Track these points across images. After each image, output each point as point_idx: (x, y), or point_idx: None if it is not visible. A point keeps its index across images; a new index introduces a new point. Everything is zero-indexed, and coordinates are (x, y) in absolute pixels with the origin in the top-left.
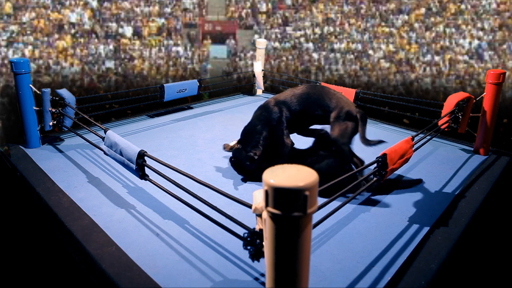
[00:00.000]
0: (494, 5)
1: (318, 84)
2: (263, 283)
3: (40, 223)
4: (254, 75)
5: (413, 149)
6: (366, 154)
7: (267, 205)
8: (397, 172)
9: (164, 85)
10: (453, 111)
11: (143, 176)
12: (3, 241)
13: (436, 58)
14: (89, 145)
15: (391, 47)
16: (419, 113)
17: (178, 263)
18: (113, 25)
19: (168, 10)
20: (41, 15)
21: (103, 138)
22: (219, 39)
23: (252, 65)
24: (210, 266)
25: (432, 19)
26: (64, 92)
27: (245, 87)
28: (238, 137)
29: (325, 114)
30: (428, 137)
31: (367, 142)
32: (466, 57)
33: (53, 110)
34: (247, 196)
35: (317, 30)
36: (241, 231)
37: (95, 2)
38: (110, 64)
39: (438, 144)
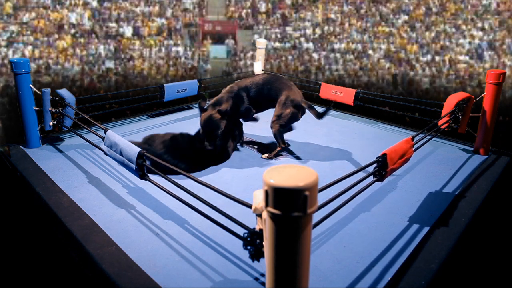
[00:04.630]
0: (494, 5)
1: (277, 74)
2: (263, 283)
3: (40, 223)
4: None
5: (413, 149)
6: (366, 154)
7: (267, 205)
8: (397, 172)
9: (164, 85)
10: (453, 111)
11: (143, 176)
12: (3, 241)
13: (436, 58)
14: (89, 145)
15: (391, 47)
16: (419, 113)
17: (178, 263)
18: (113, 25)
19: (168, 10)
20: (41, 15)
21: (103, 138)
22: (219, 39)
23: (252, 65)
24: (210, 266)
25: (432, 19)
26: (64, 92)
27: None
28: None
29: (276, 98)
30: (428, 137)
31: (320, 116)
32: (466, 57)
33: (53, 110)
34: (247, 196)
35: (317, 30)
36: (241, 231)
37: (95, 2)
38: (110, 64)
39: (438, 144)
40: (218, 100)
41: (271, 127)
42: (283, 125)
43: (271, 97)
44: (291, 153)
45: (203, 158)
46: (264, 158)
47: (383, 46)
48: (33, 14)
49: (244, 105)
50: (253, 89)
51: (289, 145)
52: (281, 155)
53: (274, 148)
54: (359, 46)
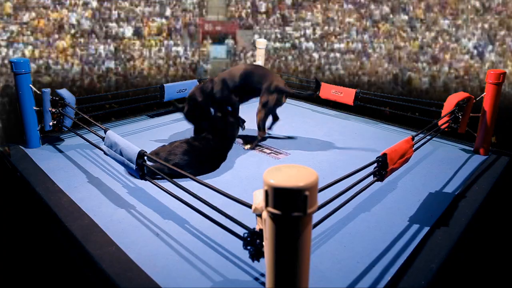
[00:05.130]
0: (494, 4)
1: (257, 64)
2: (263, 283)
3: (40, 223)
4: None
5: (413, 149)
6: (366, 154)
7: (267, 205)
8: (397, 172)
9: (164, 85)
10: (453, 111)
11: (143, 176)
12: (3, 241)
13: (437, 57)
14: (89, 145)
15: (391, 46)
16: (419, 113)
17: (178, 263)
18: (113, 25)
19: (168, 10)
20: (41, 15)
21: (103, 138)
22: (219, 39)
23: None
24: (210, 266)
25: (433, 18)
26: (64, 92)
27: None
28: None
29: (260, 86)
30: (428, 137)
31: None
32: (466, 57)
33: (53, 110)
34: (247, 196)
35: (318, 30)
36: (241, 231)
37: (95, 2)
38: (110, 64)
39: (438, 144)
40: (189, 95)
41: (257, 114)
42: (267, 113)
43: (255, 85)
44: (291, 153)
45: (214, 153)
46: (247, 149)
47: (383, 46)
48: (33, 14)
49: (222, 92)
50: (235, 79)
51: (267, 136)
52: (281, 153)
53: (254, 140)
54: (359, 46)
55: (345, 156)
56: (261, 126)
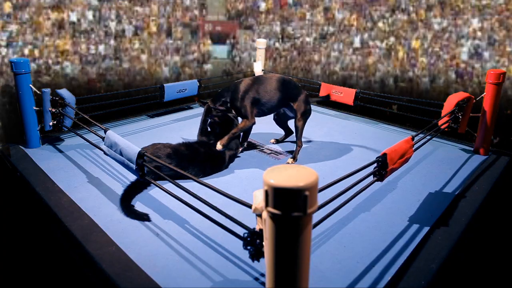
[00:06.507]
0: (493, 3)
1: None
2: (263, 283)
3: (40, 223)
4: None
5: (413, 149)
6: (366, 154)
7: (267, 205)
8: (397, 172)
9: (164, 85)
10: (453, 111)
11: (143, 176)
12: (3, 241)
13: (437, 57)
14: (89, 145)
15: (391, 46)
16: (419, 113)
17: (178, 263)
18: (113, 24)
19: (168, 9)
20: (41, 15)
21: (103, 138)
22: (219, 39)
23: (252, 65)
24: (210, 266)
25: (433, 16)
26: (64, 92)
27: None
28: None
29: (294, 97)
30: (428, 137)
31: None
32: (466, 57)
33: (53, 110)
34: (247, 196)
35: (318, 30)
36: (241, 231)
37: (95, 1)
38: (110, 64)
39: (438, 144)
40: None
41: (297, 124)
42: (306, 122)
43: (289, 97)
44: (291, 153)
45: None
46: (291, 163)
47: (383, 45)
48: (33, 14)
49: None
50: (267, 89)
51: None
52: (281, 153)
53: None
54: (360, 46)
55: (345, 156)
56: (301, 135)
